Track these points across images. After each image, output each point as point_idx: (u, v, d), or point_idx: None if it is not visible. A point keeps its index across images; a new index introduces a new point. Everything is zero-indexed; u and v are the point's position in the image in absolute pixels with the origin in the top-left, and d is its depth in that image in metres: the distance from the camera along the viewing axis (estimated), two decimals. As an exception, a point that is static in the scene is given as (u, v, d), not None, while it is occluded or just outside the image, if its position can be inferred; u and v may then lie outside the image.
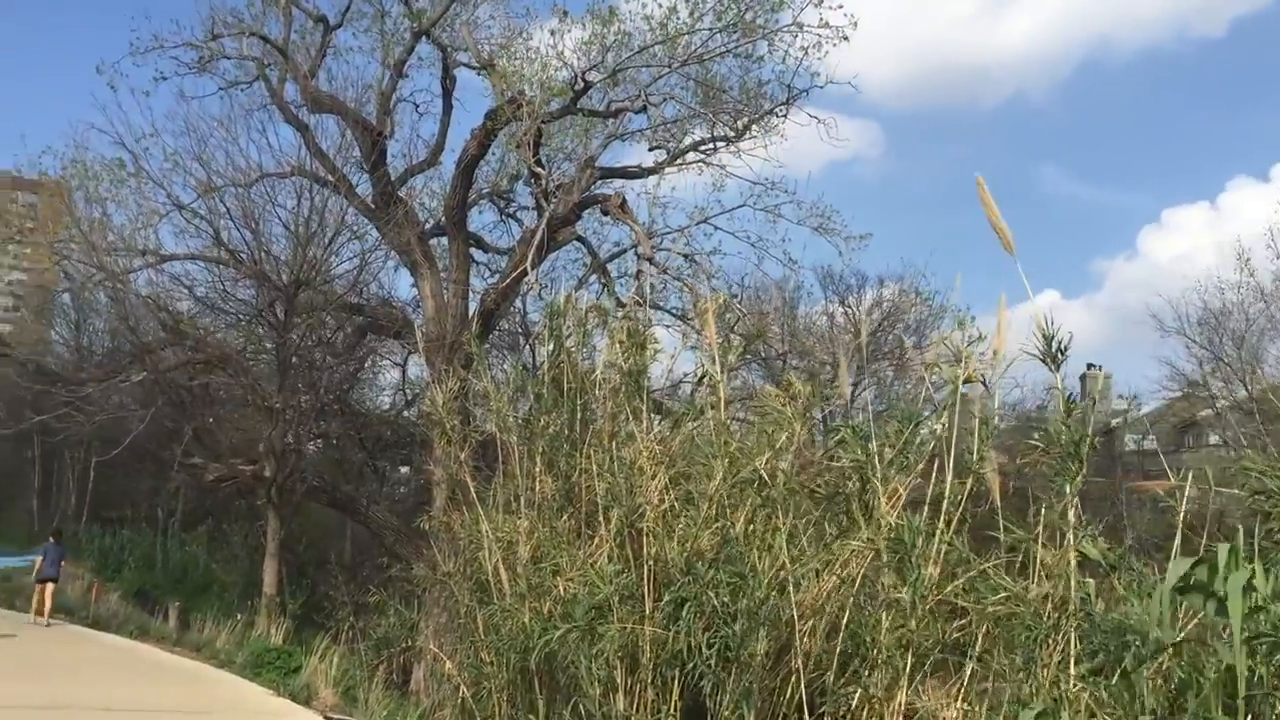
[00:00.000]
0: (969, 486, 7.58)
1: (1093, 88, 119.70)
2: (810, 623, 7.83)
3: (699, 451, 9.65)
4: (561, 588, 10.60)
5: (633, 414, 11.61)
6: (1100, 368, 44.26)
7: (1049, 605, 5.90)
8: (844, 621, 7.33)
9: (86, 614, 21.25)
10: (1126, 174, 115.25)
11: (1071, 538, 6.29)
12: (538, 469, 12.57)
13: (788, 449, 8.08)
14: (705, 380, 13.13)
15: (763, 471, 7.97)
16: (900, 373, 29.15)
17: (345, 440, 25.18)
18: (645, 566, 8.95)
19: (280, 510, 20.71)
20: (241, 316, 20.86)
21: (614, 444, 11.32)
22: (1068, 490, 6.37)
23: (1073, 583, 6.08)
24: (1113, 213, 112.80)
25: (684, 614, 7.98)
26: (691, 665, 7.49)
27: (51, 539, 21.84)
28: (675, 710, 8.37)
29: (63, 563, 21.68)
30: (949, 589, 6.84)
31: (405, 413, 28.53)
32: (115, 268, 20.26)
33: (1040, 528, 6.46)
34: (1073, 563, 6.15)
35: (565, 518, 11.86)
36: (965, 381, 7.79)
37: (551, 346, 13.94)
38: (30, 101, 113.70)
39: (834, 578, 7.67)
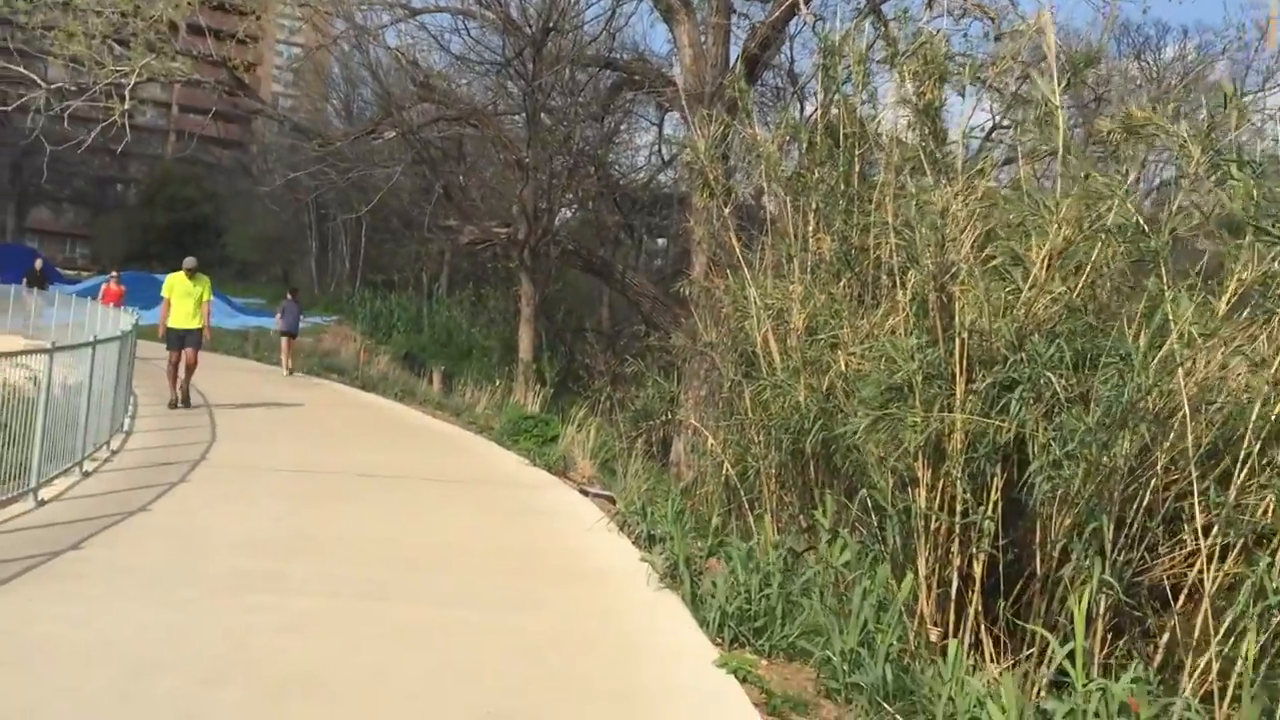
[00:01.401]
0: None
1: None
2: (1182, 414, 5.98)
3: (1024, 202, 7.67)
4: (842, 363, 9.15)
5: (927, 160, 9.70)
6: None
7: None
8: (1250, 415, 5.42)
9: (357, 375, 21.72)
10: None
11: None
12: (810, 227, 11.03)
13: (1179, 185, 5.99)
14: (1018, 125, 10.90)
15: (1137, 215, 5.97)
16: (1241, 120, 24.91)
17: (600, 203, 24.17)
18: (956, 340, 7.24)
19: (535, 275, 20.04)
20: (490, 68, 19.67)
21: (905, 197, 9.59)
22: None
23: None
24: None
25: (1016, 399, 6.28)
26: (1037, 465, 5.81)
27: (289, 295, 22.69)
28: (994, 512, 6.82)
29: (301, 317, 22.85)
30: None
31: (661, 176, 27.16)
32: (365, 23, 19.41)
33: None
34: None
35: (843, 283, 10.37)
36: None
37: (825, 90, 12.19)
38: None
39: (1228, 356, 5.74)
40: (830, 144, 11.17)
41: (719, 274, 13.84)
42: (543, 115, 19.12)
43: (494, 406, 17.12)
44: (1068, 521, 6.29)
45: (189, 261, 14.18)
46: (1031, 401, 6.31)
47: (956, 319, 7.29)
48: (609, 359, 23.46)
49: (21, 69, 15.40)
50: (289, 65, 63.21)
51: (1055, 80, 7.67)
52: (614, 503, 10.56)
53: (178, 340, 13.78)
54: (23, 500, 7.31)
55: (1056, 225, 6.50)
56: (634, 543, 8.29)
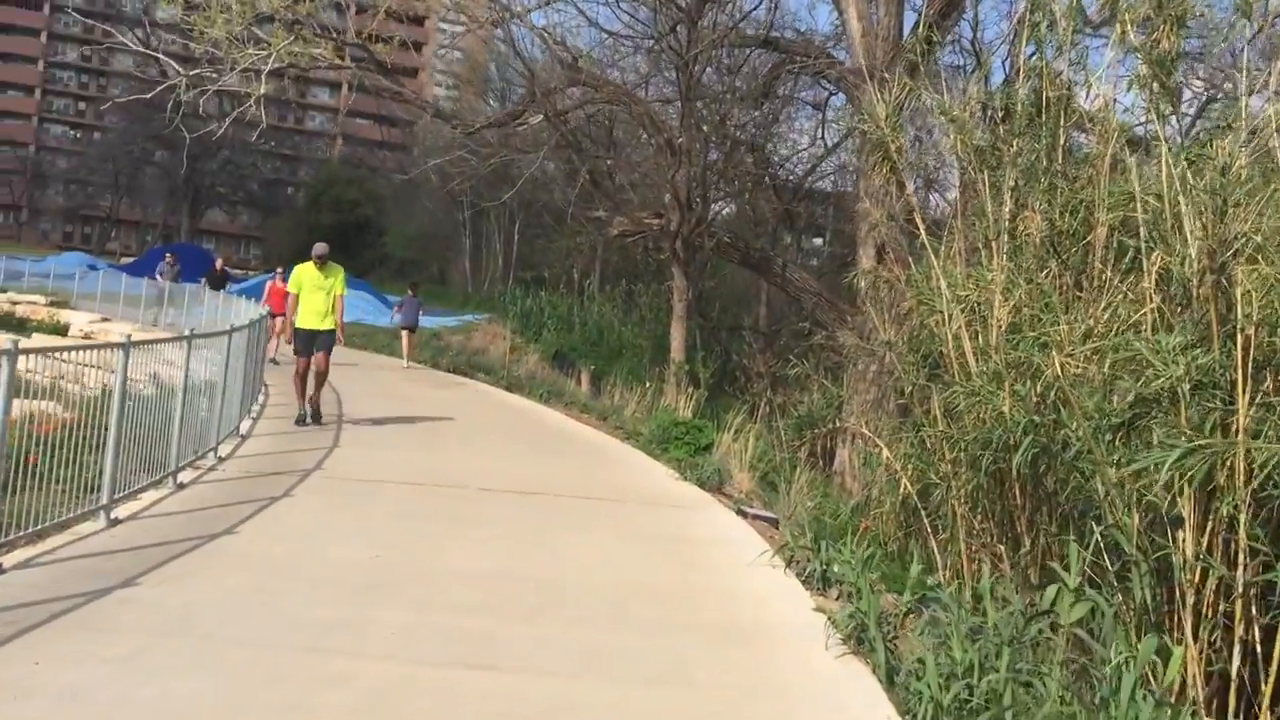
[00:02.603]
0: None
1: None
2: None
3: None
4: (1058, 366, 7.46)
5: (1160, 120, 7.95)
6: None
7: None
8: None
9: (503, 375, 20.82)
10: None
11: None
12: (1006, 209, 9.39)
13: None
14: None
15: None
16: None
17: (757, 193, 22.62)
18: (1238, 337, 5.53)
19: (688, 268, 18.63)
20: (642, 41, 18.37)
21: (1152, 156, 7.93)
22: None
23: None
24: None
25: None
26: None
27: (409, 290, 22.72)
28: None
29: (421, 312, 23.21)
30: None
31: (820, 166, 25.42)
32: (510, 4, 18.43)
33: None
34: None
35: (1048, 273, 8.72)
36: None
37: (1019, 53, 10.62)
38: None
39: None
40: (1031, 112, 9.54)
41: (898, 264, 12.21)
42: (697, 102, 17.77)
43: (643, 410, 15.83)
44: None
45: (319, 248, 11.75)
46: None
47: (1238, 309, 5.57)
48: (768, 360, 21.93)
49: (160, 56, 14.99)
50: (445, 59, 63.80)
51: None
52: (777, 526, 9.10)
53: (306, 343, 11.53)
54: (92, 519, 6.29)
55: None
56: (803, 581, 6.80)
